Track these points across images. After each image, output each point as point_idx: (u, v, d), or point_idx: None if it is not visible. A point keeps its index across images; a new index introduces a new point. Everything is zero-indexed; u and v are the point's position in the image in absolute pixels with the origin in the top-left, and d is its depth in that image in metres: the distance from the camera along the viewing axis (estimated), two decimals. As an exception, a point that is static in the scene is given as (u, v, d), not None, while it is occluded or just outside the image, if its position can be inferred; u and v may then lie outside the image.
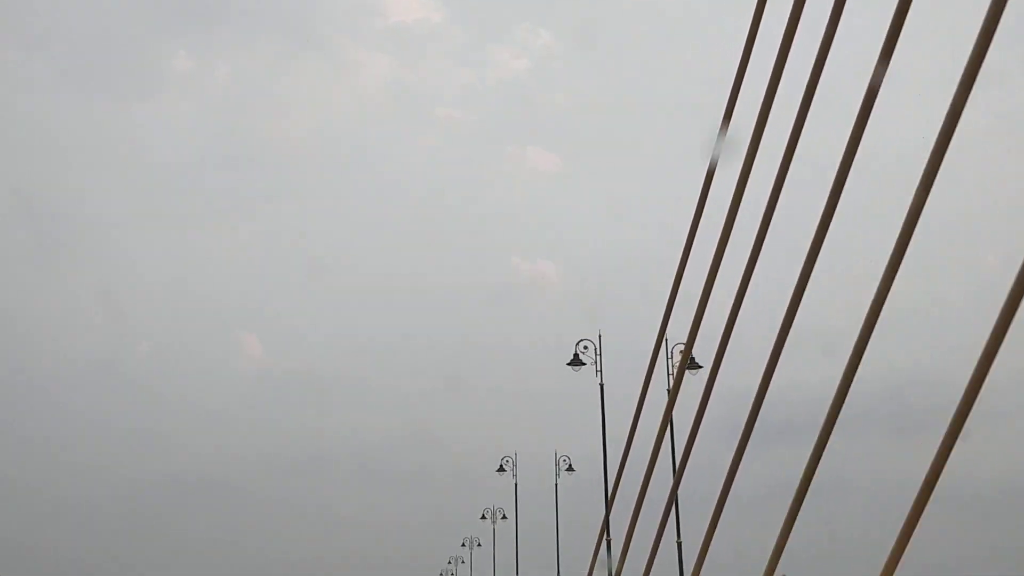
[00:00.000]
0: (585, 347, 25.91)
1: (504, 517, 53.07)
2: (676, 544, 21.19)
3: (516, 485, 42.62)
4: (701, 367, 17.97)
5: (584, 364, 25.71)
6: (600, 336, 26.43)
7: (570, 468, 37.91)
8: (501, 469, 43.10)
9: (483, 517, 54.85)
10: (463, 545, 66.39)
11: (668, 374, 23.36)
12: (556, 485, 37.55)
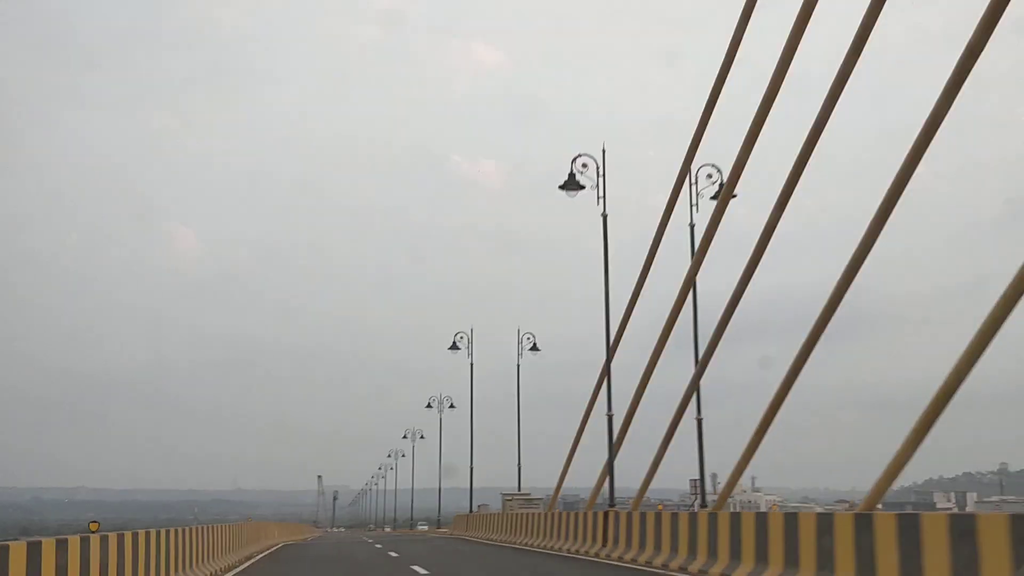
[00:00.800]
0: (584, 165, 20.90)
1: (452, 406, 50.64)
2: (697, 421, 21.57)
3: (472, 365, 40.58)
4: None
5: (583, 187, 20.93)
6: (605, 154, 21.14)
7: (534, 347, 36.75)
8: (454, 347, 39.83)
9: (429, 406, 51.82)
10: (404, 437, 70.26)
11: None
12: (518, 366, 37.57)
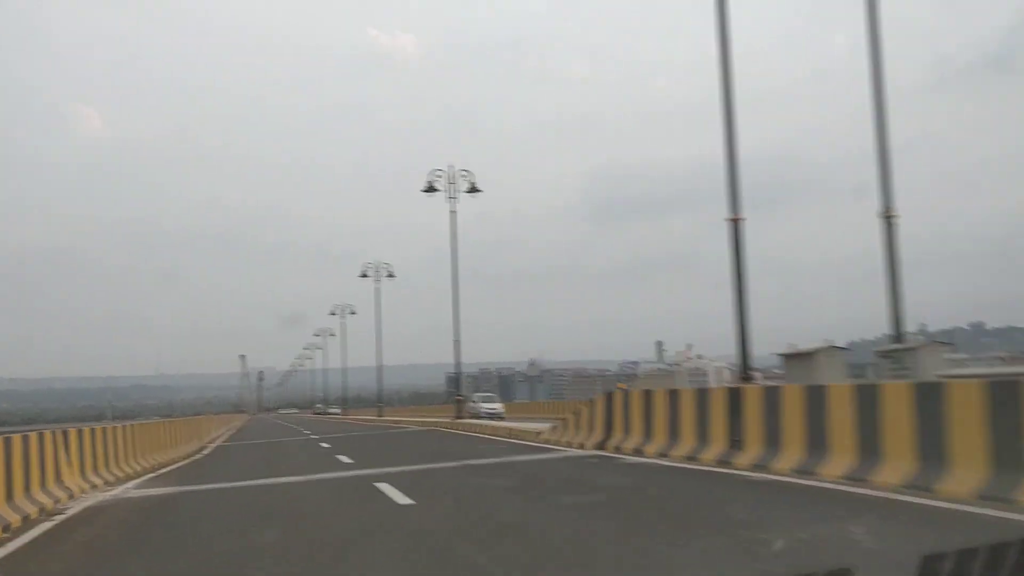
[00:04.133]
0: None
1: (391, 275, 48.96)
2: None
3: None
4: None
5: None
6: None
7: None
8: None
9: (332, 313, 55.85)
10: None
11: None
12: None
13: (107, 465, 13.55)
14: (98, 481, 12.84)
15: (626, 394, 13.77)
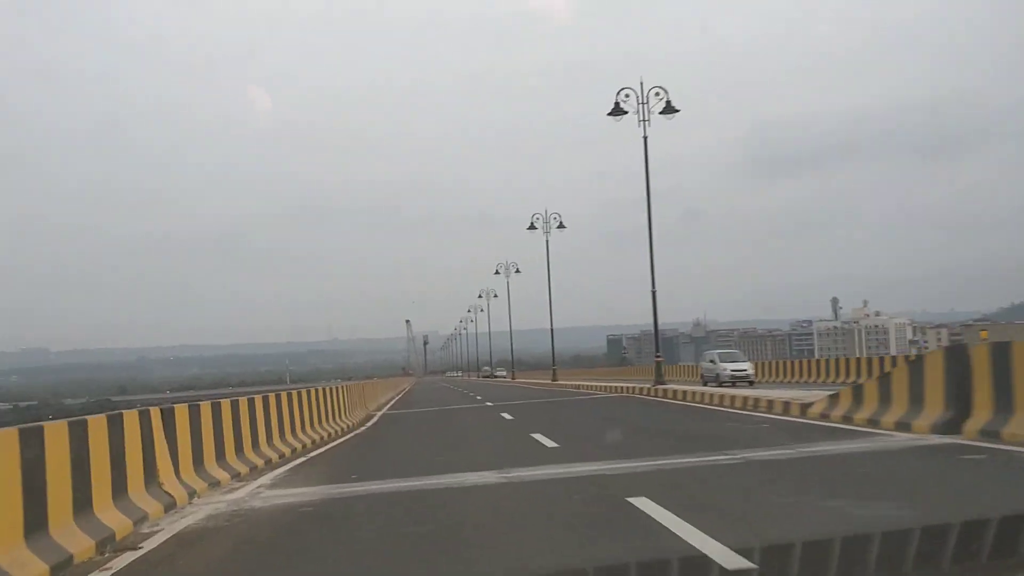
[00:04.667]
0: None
1: (562, 225, 50.52)
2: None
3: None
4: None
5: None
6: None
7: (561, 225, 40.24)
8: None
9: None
10: (497, 273, 68.54)
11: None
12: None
13: (254, 447, 10.61)
14: (243, 468, 9.73)
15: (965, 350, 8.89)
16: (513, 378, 64.62)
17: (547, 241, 42.64)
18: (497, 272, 58.97)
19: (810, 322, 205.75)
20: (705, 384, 27.27)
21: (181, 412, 8.26)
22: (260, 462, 10.41)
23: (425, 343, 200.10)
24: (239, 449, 10.02)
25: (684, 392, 19.50)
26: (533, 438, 11.69)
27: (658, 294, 23.50)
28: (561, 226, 41.99)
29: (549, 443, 10.91)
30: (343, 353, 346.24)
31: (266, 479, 9.30)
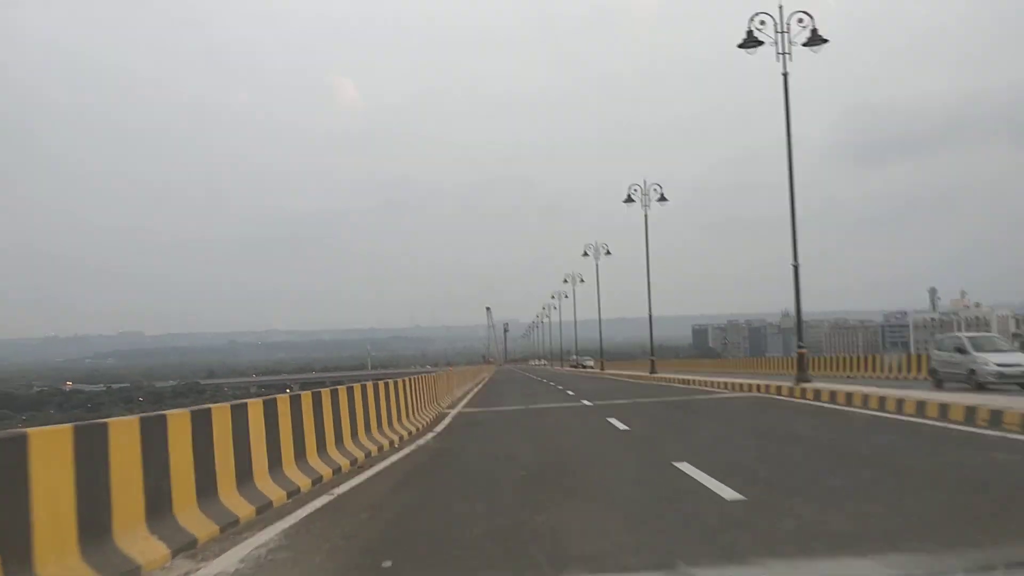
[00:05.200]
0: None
1: (608, 252, 52.15)
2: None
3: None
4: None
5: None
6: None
7: (662, 198, 37.11)
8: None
9: (585, 254, 53.66)
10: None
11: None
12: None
13: (273, 468, 7.33)
14: (243, 510, 6.40)
15: None
16: (602, 368, 59.86)
17: (645, 216, 37.86)
18: (585, 254, 55.38)
19: (905, 313, 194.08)
20: (939, 385, 19.42)
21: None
22: (275, 496, 6.97)
23: (505, 330, 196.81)
24: (242, 480, 6.63)
25: (866, 397, 14.37)
26: (690, 476, 7.25)
27: (744, 284, 18.79)
28: (662, 199, 37.29)
29: (727, 492, 6.43)
30: (424, 339, 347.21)
31: (242, 551, 5.26)
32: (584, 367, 72.79)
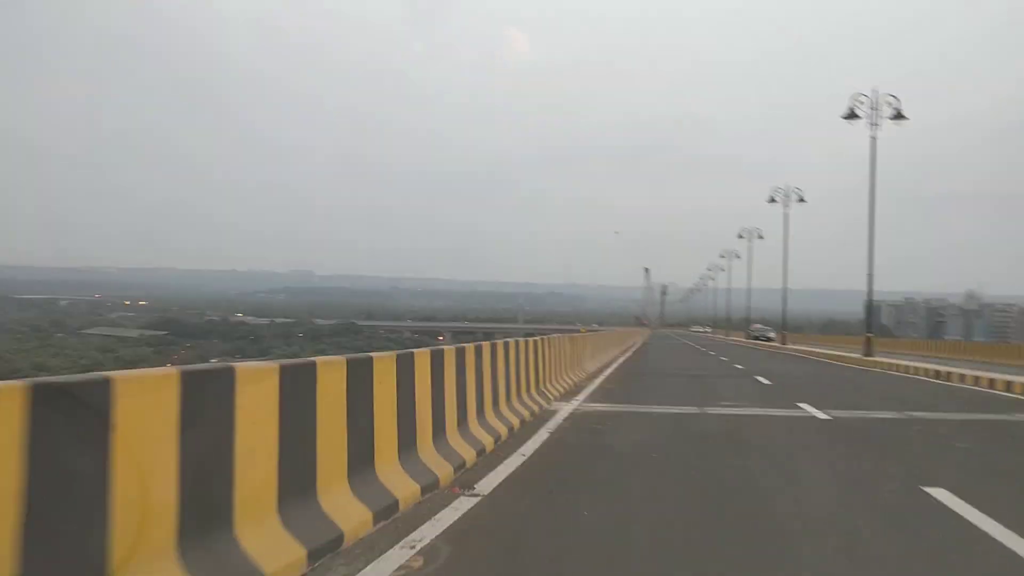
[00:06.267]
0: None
1: (801, 200, 48.81)
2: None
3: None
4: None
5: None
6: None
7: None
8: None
9: (740, 236, 54.19)
10: (740, 237, 63.81)
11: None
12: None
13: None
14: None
15: None
16: (783, 342, 52.94)
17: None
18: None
19: None
20: None
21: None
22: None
23: (663, 293, 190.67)
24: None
25: None
26: None
27: (914, 263, 13.58)
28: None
29: None
30: (579, 297, 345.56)
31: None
32: (767, 339, 63.57)
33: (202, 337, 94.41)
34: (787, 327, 54.38)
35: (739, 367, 24.33)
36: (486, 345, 8.14)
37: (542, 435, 8.72)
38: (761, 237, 62.77)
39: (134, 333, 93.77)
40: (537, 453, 7.65)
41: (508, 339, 9.52)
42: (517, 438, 8.36)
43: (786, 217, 49.28)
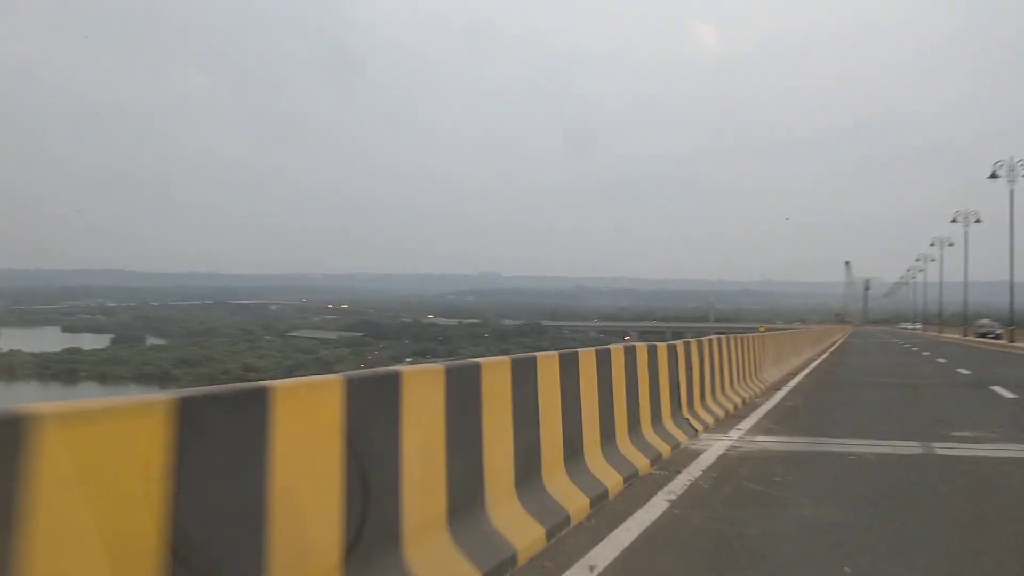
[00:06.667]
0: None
1: (978, 221, 50.76)
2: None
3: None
4: None
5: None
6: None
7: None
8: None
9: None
10: (954, 221, 59.89)
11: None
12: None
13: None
14: None
15: None
16: (1011, 339, 45.68)
17: (1011, 192, 27.80)
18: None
19: None
20: None
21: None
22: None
23: (866, 288, 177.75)
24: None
25: None
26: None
27: None
28: None
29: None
30: (774, 295, 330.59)
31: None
32: (996, 336, 55.17)
33: (394, 338, 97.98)
34: (1015, 323, 47.38)
35: (963, 372, 20.38)
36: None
37: (651, 510, 5.19)
38: (979, 221, 56.13)
39: (333, 335, 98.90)
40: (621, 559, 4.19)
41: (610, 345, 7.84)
42: (608, 513, 5.05)
43: (1011, 195, 43.18)
